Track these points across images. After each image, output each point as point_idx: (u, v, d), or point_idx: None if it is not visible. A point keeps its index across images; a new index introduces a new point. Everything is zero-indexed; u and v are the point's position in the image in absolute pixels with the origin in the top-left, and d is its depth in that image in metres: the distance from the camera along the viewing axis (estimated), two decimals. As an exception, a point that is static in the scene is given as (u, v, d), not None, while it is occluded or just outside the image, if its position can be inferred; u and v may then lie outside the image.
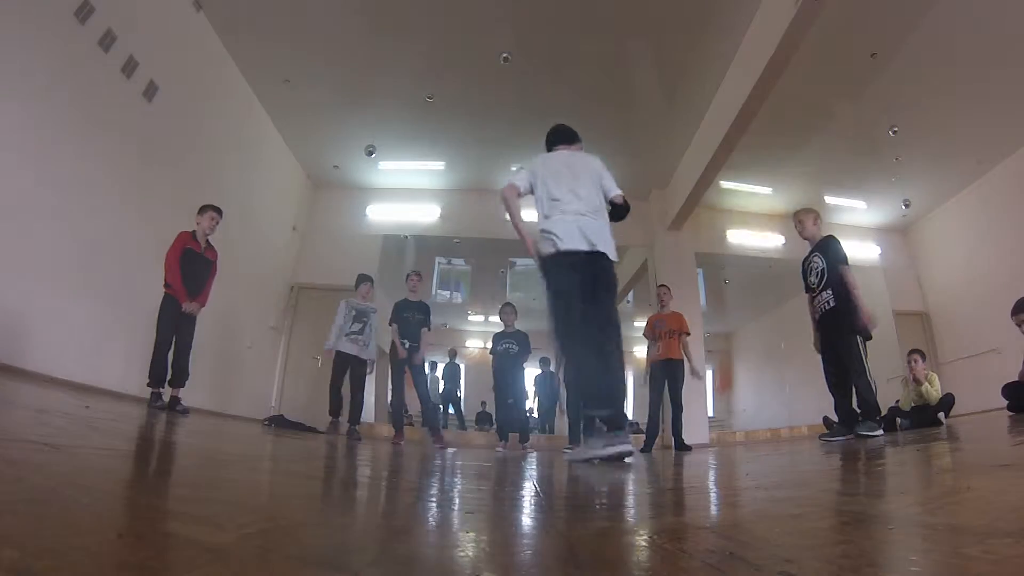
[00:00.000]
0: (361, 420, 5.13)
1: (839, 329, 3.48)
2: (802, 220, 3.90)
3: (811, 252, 3.81)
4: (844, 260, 3.60)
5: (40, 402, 2.00)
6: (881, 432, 3.30)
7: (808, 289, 3.82)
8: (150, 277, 4.47)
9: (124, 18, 3.93)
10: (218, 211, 4.29)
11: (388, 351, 5.14)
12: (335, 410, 4.91)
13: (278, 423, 5.39)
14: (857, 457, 2.12)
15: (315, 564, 0.46)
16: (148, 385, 3.81)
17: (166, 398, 3.89)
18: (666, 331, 5.17)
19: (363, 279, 5.26)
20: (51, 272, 3.48)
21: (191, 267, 4.05)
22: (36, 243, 3.35)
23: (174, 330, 3.94)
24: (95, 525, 0.49)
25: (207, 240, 4.25)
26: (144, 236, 4.36)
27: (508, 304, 5.55)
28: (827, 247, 3.69)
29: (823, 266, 3.64)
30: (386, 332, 5.15)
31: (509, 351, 5.30)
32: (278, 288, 7.09)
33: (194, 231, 4.18)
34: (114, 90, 3.96)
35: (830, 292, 3.55)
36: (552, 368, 9.12)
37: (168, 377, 3.92)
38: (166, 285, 3.98)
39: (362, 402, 5.04)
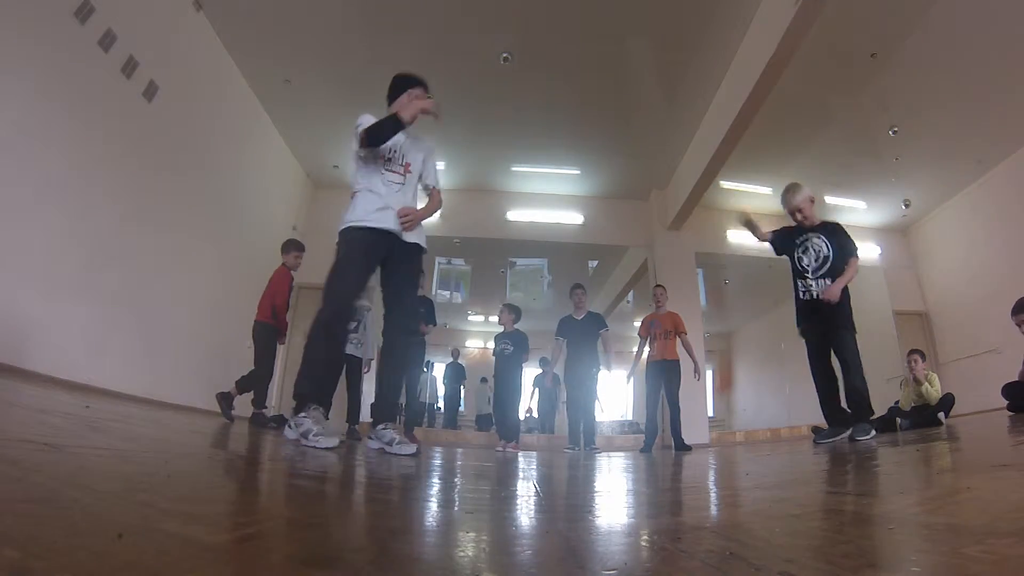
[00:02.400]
0: (359, 419, 5.12)
1: (835, 321, 3.21)
2: (801, 206, 3.43)
3: (811, 231, 3.44)
4: (855, 252, 3.34)
5: (40, 402, 2.00)
6: (874, 433, 3.17)
7: (800, 268, 3.44)
8: (150, 277, 4.47)
9: (124, 18, 3.92)
10: (303, 249, 4.63)
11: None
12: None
13: (278, 423, 5.37)
14: (857, 458, 2.12)
15: (315, 564, 0.46)
16: (255, 405, 4.25)
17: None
18: (661, 332, 5.17)
19: None
20: (51, 272, 3.47)
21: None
22: (36, 243, 3.35)
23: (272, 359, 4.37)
24: (95, 525, 0.49)
25: None
26: (144, 236, 4.37)
27: (506, 305, 5.51)
28: (838, 233, 3.39)
29: (829, 252, 3.32)
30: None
31: (504, 351, 5.30)
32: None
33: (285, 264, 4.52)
34: (114, 90, 3.96)
35: (829, 282, 3.26)
36: (550, 367, 9.14)
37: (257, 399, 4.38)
38: (273, 317, 4.29)
39: (360, 401, 5.03)
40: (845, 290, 3.26)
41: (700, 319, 7.08)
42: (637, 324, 6.62)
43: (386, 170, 2.45)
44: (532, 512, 1.00)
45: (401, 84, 2.63)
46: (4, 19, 3.07)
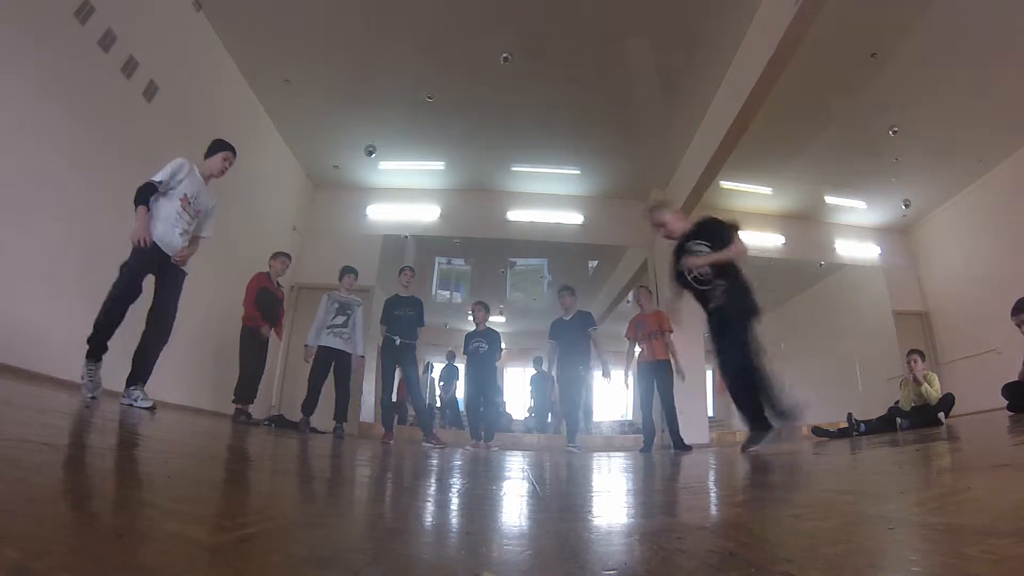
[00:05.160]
0: (360, 419, 5.13)
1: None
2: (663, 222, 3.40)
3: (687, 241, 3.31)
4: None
5: (40, 402, 2.00)
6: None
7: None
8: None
9: (124, 18, 3.92)
10: (289, 257, 5.23)
11: (380, 347, 5.11)
12: (309, 408, 4.79)
13: (278, 423, 5.38)
14: (857, 458, 2.12)
15: (315, 564, 0.46)
16: (234, 403, 4.65)
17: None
18: (647, 332, 5.16)
19: (346, 271, 5.28)
20: (51, 272, 3.47)
21: (266, 303, 4.87)
22: (36, 243, 3.35)
23: (258, 357, 4.75)
24: (95, 525, 0.49)
25: (277, 281, 5.08)
26: (144, 236, 4.36)
27: (478, 302, 5.54)
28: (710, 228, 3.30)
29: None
30: (376, 326, 5.12)
31: (479, 350, 5.30)
32: (278, 288, 7.08)
33: (267, 272, 5.00)
34: (114, 90, 3.96)
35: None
36: (545, 367, 9.13)
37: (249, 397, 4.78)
38: (248, 319, 4.77)
39: (347, 398, 5.00)
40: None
41: (700, 319, 7.07)
42: (637, 324, 6.62)
43: (183, 209, 3.14)
44: (532, 512, 1.00)
45: (216, 147, 3.46)
46: (4, 19, 3.07)
